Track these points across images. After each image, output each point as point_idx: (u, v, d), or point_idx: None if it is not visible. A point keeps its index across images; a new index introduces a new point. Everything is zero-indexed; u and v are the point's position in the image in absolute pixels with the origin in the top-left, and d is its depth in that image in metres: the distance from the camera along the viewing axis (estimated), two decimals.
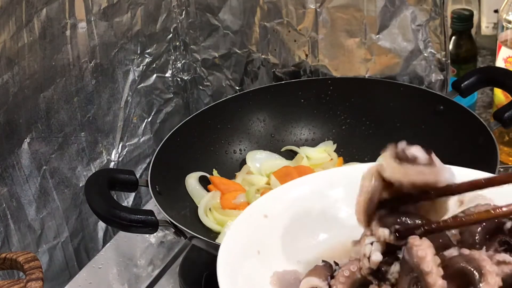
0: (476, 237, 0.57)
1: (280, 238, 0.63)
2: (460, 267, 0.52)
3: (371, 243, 0.56)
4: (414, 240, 0.54)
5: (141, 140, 1.28)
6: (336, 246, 0.64)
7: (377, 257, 0.56)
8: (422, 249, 0.52)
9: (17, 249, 1.03)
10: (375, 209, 0.57)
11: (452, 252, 0.55)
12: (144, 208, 1.26)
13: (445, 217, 0.58)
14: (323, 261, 0.59)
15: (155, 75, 1.29)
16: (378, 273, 0.56)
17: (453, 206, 0.62)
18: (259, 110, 1.21)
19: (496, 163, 0.96)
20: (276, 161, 1.16)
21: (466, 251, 0.54)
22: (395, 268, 0.56)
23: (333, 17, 1.19)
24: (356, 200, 0.58)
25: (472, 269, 0.51)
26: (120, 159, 1.23)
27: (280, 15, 1.24)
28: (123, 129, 1.23)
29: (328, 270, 0.58)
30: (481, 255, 0.53)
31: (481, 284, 0.50)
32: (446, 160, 1.09)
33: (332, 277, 0.57)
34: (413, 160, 0.54)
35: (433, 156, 0.56)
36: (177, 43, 1.33)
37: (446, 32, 1.13)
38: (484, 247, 0.57)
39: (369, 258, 0.56)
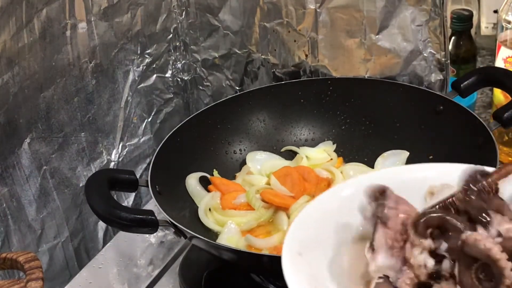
0: None
1: (319, 270, 0.66)
2: None
3: (420, 252, 0.63)
4: (473, 235, 0.61)
5: (141, 140, 1.28)
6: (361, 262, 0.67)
7: (431, 262, 0.63)
8: (486, 241, 0.60)
9: (17, 249, 1.03)
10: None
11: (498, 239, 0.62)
12: (144, 208, 1.26)
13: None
14: (380, 277, 0.64)
15: (155, 75, 1.29)
16: (433, 274, 0.63)
17: (424, 198, 0.69)
18: (259, 110, 1.21)
19: (495, 163, 0.96)
20: (276, 162, 1.17)
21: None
22: (445, 265, 0.63)
23: (333, 17, 1.19)
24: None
25: None
26: (120, 159, 1.23)
27: (280, 15, 1.24)
28: (123, 129, 1.23)
29: (389, 284, 0.63)
30: None
31: None
32: (446, 160, 1.10)
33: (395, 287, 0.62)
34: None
35: None
36: (177, 44, 1.33)
37: (445, 32, 1.13)
38: None
39: (425, 265, 0.63)
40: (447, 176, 0.70)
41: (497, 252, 0.59)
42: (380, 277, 0.64)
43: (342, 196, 0.72)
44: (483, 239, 0.61)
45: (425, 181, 0.71)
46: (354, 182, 0.74)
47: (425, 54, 1.16)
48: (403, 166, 0.79)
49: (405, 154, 1.13)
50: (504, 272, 0.59)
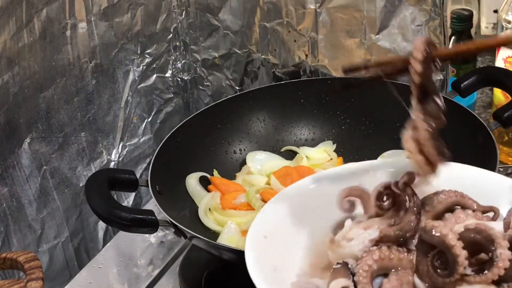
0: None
1: (283, 253, 0.68)
2: (473, 238, 0.61)
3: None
4: (430, 222, 0.63)
5: (141, 140, 1.28)
6: (321, 245, 0.70)
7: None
8: (443, 228, 0.61)
9: (18, 249, 1.03)
10: None
11: (455, 227, 0.64)
12: (144, 208, 1.26)
13: None
14: (338, 263, 0.65)
15: (155, 75, 1.29)
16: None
17: None
18: (259, 110, 1.21)
19: (495, 163, 0.96)
20: (276, 162, 1.17)
21: (472, 226, 0.63)
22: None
23: (333, 17, 1.19)
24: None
25: (484, 239, 0.61)
26: (120, 159, 1.23)
27: (280, 15, 1.24)
28: (123, 129, 1.23)
29: (347, 269, 0.64)
30: (486, 226, 0.62)
31: (497, 249, 0.59)
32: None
33: (353, 274, 0.64)
34: None
35: None
36: (177, 43, 1.33)
37: (445, 32, 1.13)
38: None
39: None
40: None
41: (452, 238, 0.61)
42: (338, 263, 0.65)
43: (309, 188, 0.76)
44: (440, 226, 0.62)
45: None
46: (319, 176, 0.78)
47: None
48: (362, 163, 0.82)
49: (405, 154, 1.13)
50: (458, 259, 0.60)
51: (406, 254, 0.65)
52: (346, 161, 1.17)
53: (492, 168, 0.95)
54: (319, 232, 0.72)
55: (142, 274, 1.10)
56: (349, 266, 0.65)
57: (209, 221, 1.05)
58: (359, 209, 0.71)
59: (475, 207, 0.69)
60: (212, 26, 1.30)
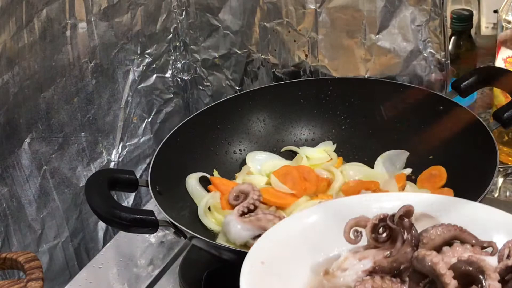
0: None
1: (279, 281, 0.70)
2: (464, 270, 0.62)
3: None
4: (423, 251, 0.64)
5: (141, 140, 1.28)
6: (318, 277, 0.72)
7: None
8: (434, 257, 0.63)
9: (18, 249, 1.03)
10: None
11: (452, 260, 0.66)
12: (144, 208, 1.26)
13: None
14: None
15: (155, 75, 1.29)
16: None
17: None
18: (259, 110, 1.21)
19: (495, 163, 0.96)
20: (276, 162, 1.16)
21: (464, 257, 0.64)
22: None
23: (333, 17, 1.19)
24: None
25: (475, 270, 0.62)
26: (120, 159, 1.23)
27: (280, 15, 1.24)
28: (123, 129, 1.23)
29: None
30: (478, 258, 0.63)
31: (487, 281, 0.60)
32: (446, 160, 1.10)
33: None
34: None
35: None
36: (177, 44, 1.33)
37: (445, 32, 1.13)
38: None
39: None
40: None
41: (442, 267, 0.62)
42: None
43: (307, 221, 0.77)
44: (432, 255, 0.63)
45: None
46: (318, 210, 0.79)
47: (425, 54, 1.16)
48: (372, 195, 0.83)
49: (405, 154, 1.13)
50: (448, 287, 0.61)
51: (399, 284, 0.66)
52: (346, 161, 1.17)
53: (492, 168, 0.95)
54: (317, 264, 0.73)
55: (142, 274, 1.10)
56: None
57: (208, 221, 1.05)
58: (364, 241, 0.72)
59: (474, 241, 0.70)
60: (212, 26, 1.30)
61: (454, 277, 0.61)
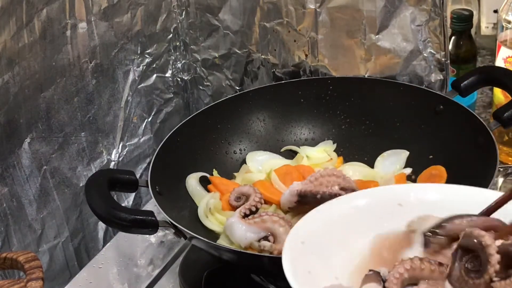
0: None
1: (319, 260, 0.71)
2: (508, 250, 0.64)
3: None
4: (469, 229, 0.66)
5: (141, 140, 1.28)
6: (366, 259, 0.73)
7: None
8: (480, 231, 0.64)
9: (18, 249, 1.03)
10: None
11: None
12: (144, 208, 1.26)
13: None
14: (370, 270, 0.69)
15: (155, 75, 1.29)
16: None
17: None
18: (259, 110, 1.21)
19: (495, 163, 0.96)
20: (276, 161, 1.16)
21: (509, 241, 0.65)
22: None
23: (333, 17, 1.19)
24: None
25: None
26: (120, 159, 1.23)
27: (280, 15, 1.24)
28: (123, 129, 1.23)
29: (378, 276, 0.67)
30: None
31: None
32: (446, 160, 1.10)
33: (384, 281, 0.67)
34: None
35: None
36: (177, 43, 1.33)
37: (445, 32, 1.13)
38: None
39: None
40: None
41: (488, 239, 0.63)
42: (371, 270, 0.68)
43: (355, 204, 0.78)
44: (478, 230, 0.65)
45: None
46: (369, 193, 0.80)
47: (425, 54, 1.16)
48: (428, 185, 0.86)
49: (405, 153, 1.13)
50: (491, 259, 0.62)
51: (437, 266, 0.67)
52: (346, 160, 1.17)
53: (492, 168, 0.95)
54: (358, 246, 0.74)
55: (142, 274, 1.10)
56: (381, 273, 0.68)
57: (208, 221, 1.05)
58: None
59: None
60: (212, 26, 1.30)
61: (497, 252, 0.62)
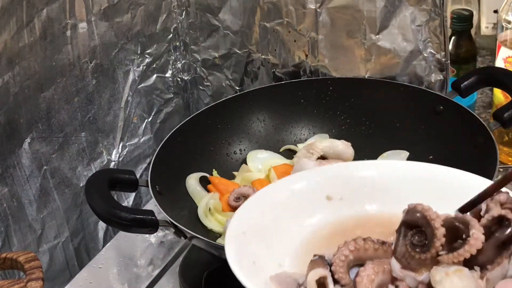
0: None
1: (261, 249, 0.71)
2: (452, 223, 0.63)
3: None
4: (413, 203, 0.65)
5: (141, 140, 1.28)
6: (307, 242, 0.74)
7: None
8: (424, 205, 0.64)
9: (18, 249, 1.03)
10: None
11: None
12: (144, 208, 1.26)
13: None
14: (315, 255, 0.68)
15: (155, 75, 1.29)
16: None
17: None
18: (259, 110, 1.21)
19: (495, 163, 0.96)
20: (277, 161, 1.17)
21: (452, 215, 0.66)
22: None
23: (333, 17, 1.19)
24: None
25: (461, 223, 0.63)
26: (120, 159, 1.23)
27: (280, 15, 1.24)
28: (124, 129, 1.23)
29: (324, 260, 0.67)
30: (464, 215, 0.65)
31: (471, 230, 0.62)
32: (446, 160, 1.10)
33: (330, 264, 0.66)
34: None
35: None
36: (177, 43, 1.33)
37: (445, 32, 1.13)
38: None
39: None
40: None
41: (433, 213, 0.63)
42: (315, 255, 0.68)
43: (293, 188, 0.78)
44: (422, 205, 0.64)
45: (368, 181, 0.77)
46: (306, 176, 0.80)
47: (425, 54, 1.16)
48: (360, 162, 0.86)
49: (405, 154, 1.13)
50: (436, 233, 0.62)
51: (381, 245, 0.68)
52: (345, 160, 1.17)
53: (492, 168, 0.96)
54: (297, 229, 0.75)
55: (142, 274, 1.10)
56: (326, 257, 0.68)
57: (208, 221, 1.05)
58: None
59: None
60: (212, 26, 1.31)
61: (442, 225, 0.63)
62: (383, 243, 0.68)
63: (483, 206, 0.66)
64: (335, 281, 0.65)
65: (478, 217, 0.66)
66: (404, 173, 0.78)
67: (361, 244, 0.67)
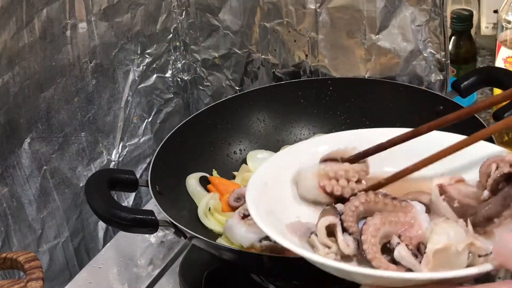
0: None
1: (279, 201, 0.75)
2: None
3: None
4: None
5: (141, 140, 1.28)
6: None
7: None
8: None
9: (18, 249, 1.03)
10: None
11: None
12: (144, 208, 1.26)
13: None
14: (327, 205, 0.73)
15: (155, 75, 1.29)
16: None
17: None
18: (259, 110, 1.21)
19: None
20: None
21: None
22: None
23: (333, 17, 1.19)
24: None
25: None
26: (120, 159, 1.23)
27: (280, 15, 1.24)
28: (124, 129, 1.23)
29: (335, 210, 0.71)
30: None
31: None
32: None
33: (340, 214, 0.70)
34: None
35: None
36: (177, 43, 1.33)
37: (445, 32, 1.13)
38: None
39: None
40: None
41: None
42: (327, 205, 0.72)
43: (315, 150, 0.80)
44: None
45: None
46: (327, 140, 0.83)
47: (425, 54, 1.16)
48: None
49: None
50: None
51: (391, 200, 0.70)
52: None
53: None
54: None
55: (142, 274, 1.10)
56: (338, 208, 0.71)
57: (208, 221, 1.05)
58: None
59: None
60: (212, 26, 1.31)
61: None
62: (394, 198, 0.70)
63: (493, 166, 0.70)
64: (344, 229, 0.68)
65: (487, 177, 0.69)
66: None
67: (372, 198, 0.70)
